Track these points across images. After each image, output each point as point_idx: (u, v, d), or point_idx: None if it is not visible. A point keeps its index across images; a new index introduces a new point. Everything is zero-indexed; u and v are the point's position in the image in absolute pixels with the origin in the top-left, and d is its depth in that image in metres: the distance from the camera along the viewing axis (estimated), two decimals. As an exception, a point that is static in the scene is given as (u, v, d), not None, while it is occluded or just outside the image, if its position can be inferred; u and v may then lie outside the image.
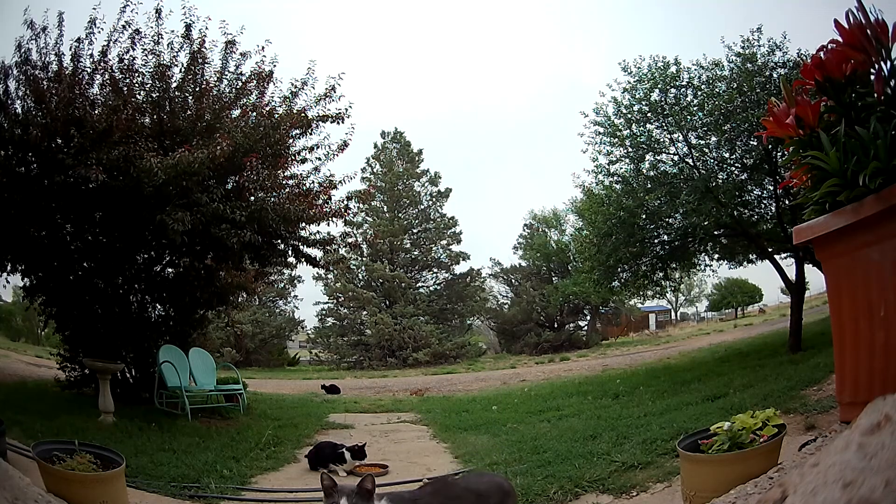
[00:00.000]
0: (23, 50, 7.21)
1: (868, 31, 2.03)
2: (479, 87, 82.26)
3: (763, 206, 10.53)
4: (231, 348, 28.26)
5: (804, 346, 9.18)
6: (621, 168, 10.82)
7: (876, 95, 2.08)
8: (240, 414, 8.31)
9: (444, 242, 32.98)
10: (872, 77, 2.08)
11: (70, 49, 7.28)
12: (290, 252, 8.66)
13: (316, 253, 8.85)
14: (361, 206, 32.99)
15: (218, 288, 9.19)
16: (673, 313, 53.92)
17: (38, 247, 7.35)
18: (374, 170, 33.20)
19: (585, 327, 34.23)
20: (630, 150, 10.48)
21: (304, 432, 7.50)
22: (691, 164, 10.10)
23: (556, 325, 32.76)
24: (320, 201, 8.27)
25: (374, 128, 34.67)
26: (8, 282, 8.33)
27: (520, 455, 5.33)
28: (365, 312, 30.64)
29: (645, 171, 10.46)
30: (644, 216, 10.26)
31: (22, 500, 1.96)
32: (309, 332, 34.28)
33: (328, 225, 8.72)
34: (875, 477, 1.23)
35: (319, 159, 8.77)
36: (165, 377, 7.68)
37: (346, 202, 8.60)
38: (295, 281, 34.72)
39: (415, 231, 32.93)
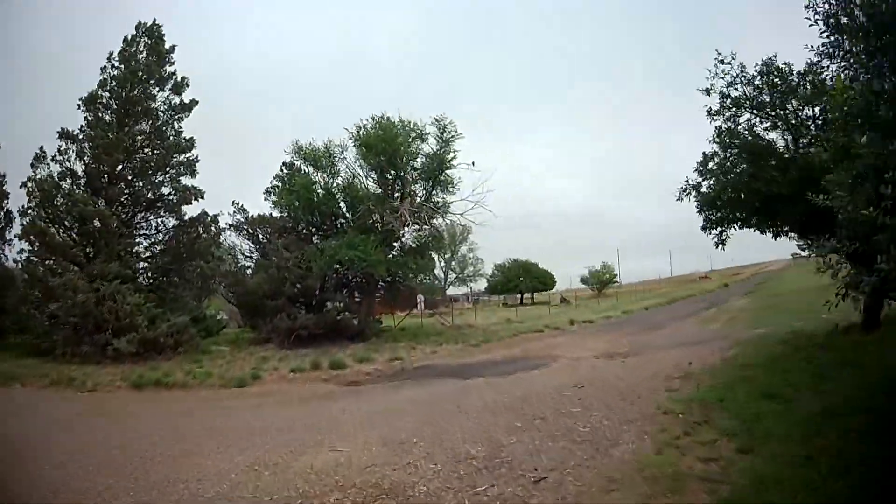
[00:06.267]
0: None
1: None
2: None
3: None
4: None
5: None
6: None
7: None
8: None
9: (172, 172, 22.59)
10: None
11: None
12: None
13: None
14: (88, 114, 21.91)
15: None
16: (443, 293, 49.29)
17: None
18: (115, 67, 21.65)
19: (357, 310, 24.62)
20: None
21: None
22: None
23: (314, 305, 23.44)
24: None
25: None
26: None
27: None
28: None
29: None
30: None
31: None
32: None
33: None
34: None
35: None
36: None
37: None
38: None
39: (140, 155, 21.94)
